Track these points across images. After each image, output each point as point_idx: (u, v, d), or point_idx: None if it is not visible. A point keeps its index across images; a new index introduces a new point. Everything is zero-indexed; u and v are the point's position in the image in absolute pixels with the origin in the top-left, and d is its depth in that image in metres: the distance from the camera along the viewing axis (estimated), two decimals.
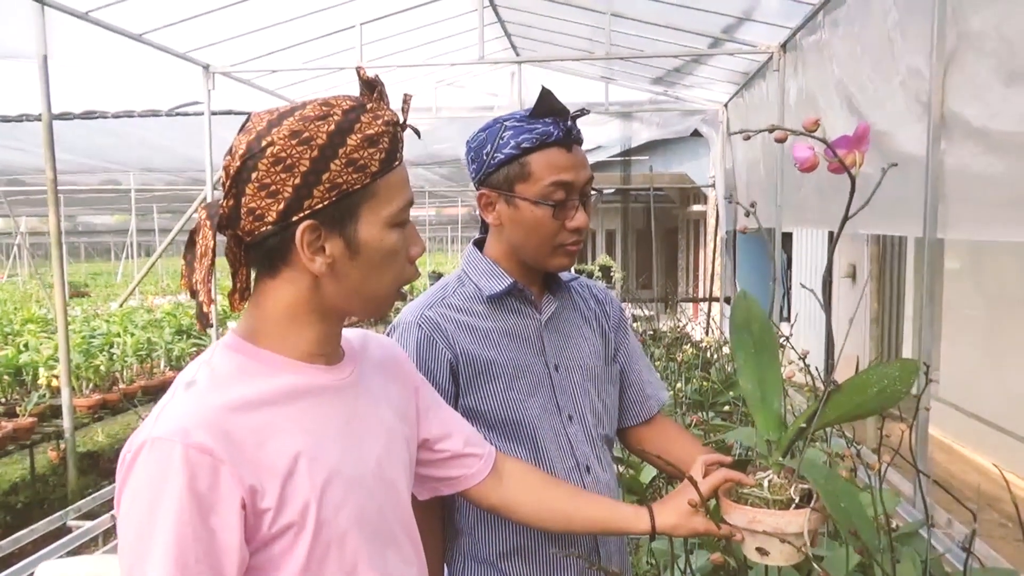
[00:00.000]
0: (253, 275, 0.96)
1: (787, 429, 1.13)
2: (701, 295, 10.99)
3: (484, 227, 1.43)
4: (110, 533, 3.19)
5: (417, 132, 1.02)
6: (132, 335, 7.09)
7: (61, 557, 2.74)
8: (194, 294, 0.90)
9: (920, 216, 2.50)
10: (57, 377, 5.14)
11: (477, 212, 1.40)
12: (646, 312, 8.14)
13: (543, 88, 1.29)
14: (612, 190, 13.70)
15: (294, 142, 0.88)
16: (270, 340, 0.95)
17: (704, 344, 5.49)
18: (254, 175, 0.88)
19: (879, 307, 6.36)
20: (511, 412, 1.33)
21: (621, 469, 2.46)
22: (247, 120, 0.92)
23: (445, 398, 1.29)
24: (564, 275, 1.48)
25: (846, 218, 1.00)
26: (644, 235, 14.66)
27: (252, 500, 0.85)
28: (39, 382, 5.59)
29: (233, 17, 4.60)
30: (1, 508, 4.66)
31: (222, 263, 0.96)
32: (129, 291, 10.48)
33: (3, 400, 5.58)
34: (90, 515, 3.27)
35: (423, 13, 5.33)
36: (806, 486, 1.08)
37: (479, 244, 1.44)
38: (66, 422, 4.14)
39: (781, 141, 0.99)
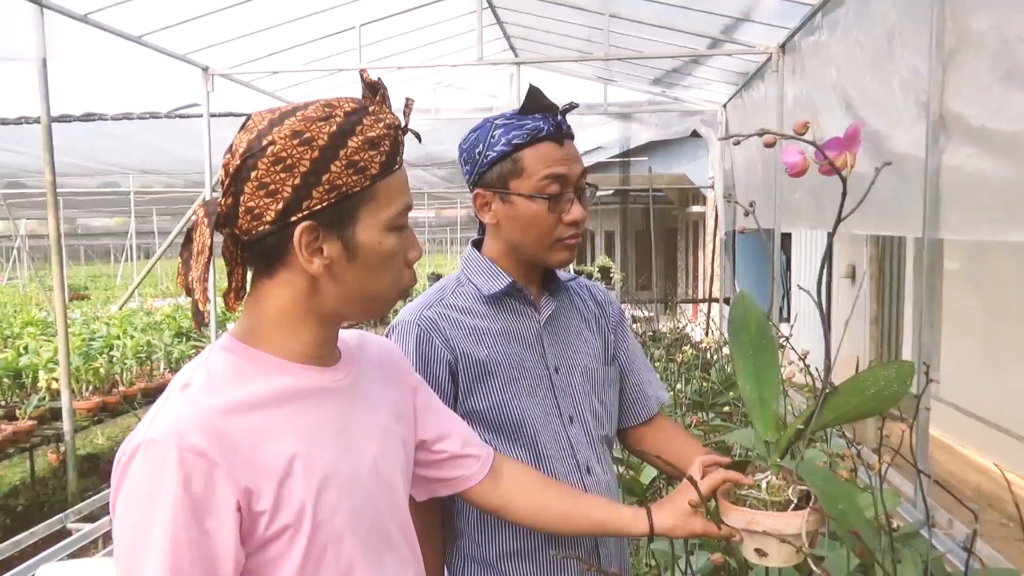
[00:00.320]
0: (249, 275, 0.96)
1: (785, 430, 1.13)
2: (700, 296, 10.99)
3: (482, 228, 1.43)
4: (110, 536, 3.18)
5: (418, 136, 1.02)
6: (132, 338, 7.09)
7: (61, 560, 2.74)
8: (189, 292, 0.90)
9: (919, 216, 2.50)
10: (57, 380, 5.13)
11: (475, 213, 1.40)
12: (646, 313, 8.14)
13: (531, 85, 1.29)
14: (611, 191, 13.71)
15: (295, 142, 0.88)
16: (266, 342, 0.94)
17: (704, 345, 5.49)
18: (254, 174, 0.88)
19: (879, 307, 6.36)
20: (511, 412, 1.33)
21: (621, 470, 2.46)
22: (248, 119, 0.92)
23: (444, 398, 1.29)
24: (563, 276, 1.48)
25: (839, 219, 1.00)
26: (643, 236, 14.67)
27: (247, 502, 0.85)
28: (39, 385, 5.58)
29: (232, 19, 4.59)
30: (1, 511, 4.67)
31: (220, 264, 0.96)
32: (128, 293, 10.48)
33: (3, 403, 5.57)
34: (90, 518, 3.27)
35: (422, 15, 5.33)
36: (804, 487, 1.08)
37: (478, 245, 1.44)
38: (66, 425, 4.14)
39: (770, 146, 0.98)
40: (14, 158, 8.49)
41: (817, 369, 1.58)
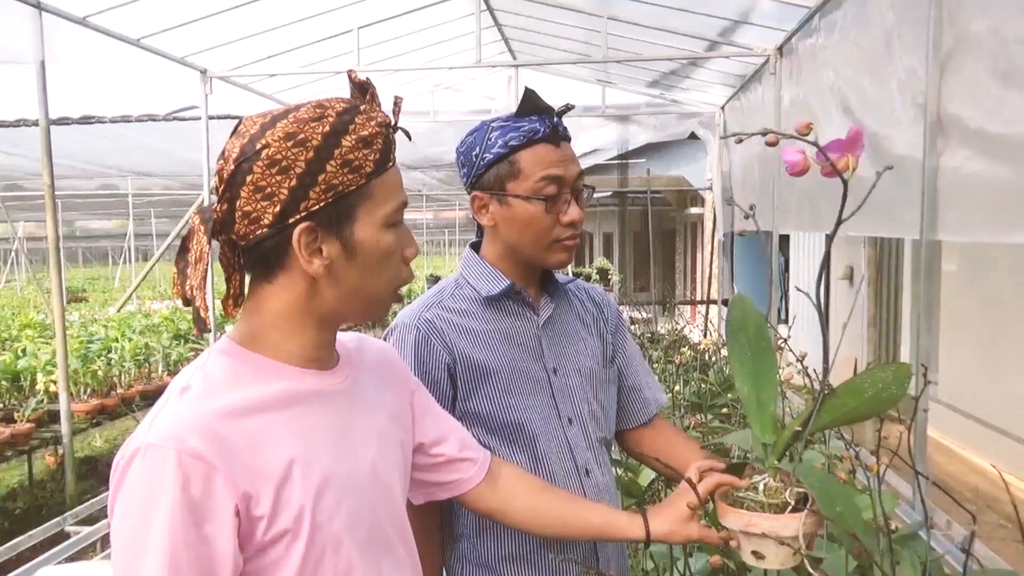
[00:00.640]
0: (248, 280, 0.96)
1: (783, 432, 1.13)
2: (699, 297, 10.99)
3: (480, 230, 1.43)
4: (108, 539, 3.17)
5: (408, 135, 1.03)
6: (130, 340, 7.08)
7: (59, 563, 2.73)
8: (188, 301, 0.90)
9: (917, 218, 2.50)
10: (55, 382, 5.13)
11: (472, 215, 1.40)
12: (644, 315, 8.14)
13: (526, 88, 1.30)
14: (609, 193, 13.72)
15: (289, 144, 0.88)
16: (265, 345, 0.94)
17: (702, 346, 5.49)
18: (249, 178, 0.88)
19: (876, 309, 6.37)
20: (509, 415, 1.33)
21: (619, 472, 2.46)
22: (239, 123, 0.92)
23: (443, 401, 1.29)
24: (561, 277, 1.49)
25: (839, 222, 1.00)
26: (641, 238, 14.66)
27: (246, 507, 0.85)
28: (37, 387, 5.58)
29: (231, 22, 4.59)
30: None
31: (217, 268, 0.96)
32: (127, 296, 10.48)
33: (1, 405, 5.56)
34: (88, 520, 3.25)
35: (420, 17, 5.33)
36: (802, 489, 1.08)
37: (476, 247, 1.44)
38: (64, 427, 4.13)
39: (772, 145, 0.98)
40: (12, 160, 8.48)
41: (815, 371, 1.58)
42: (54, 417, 5.13)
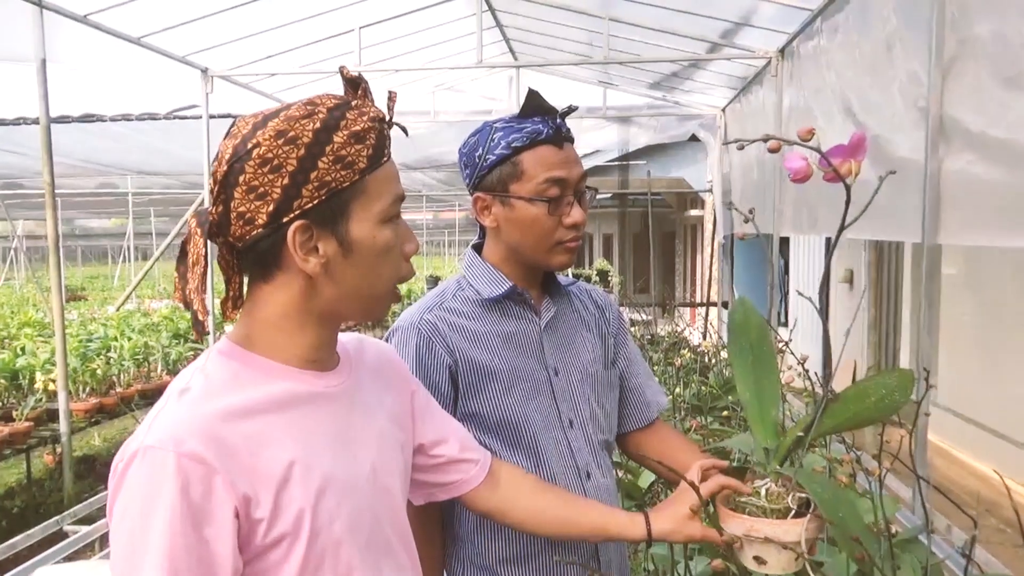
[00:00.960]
0: (246, 282, 0.96)
1: (784, 437, 1.13)
2: (699, 300, 10.99)
3: (482, 232, 1.43)
4: (107, 538, 3.17)
5: (404, 130, 1.02)
6: (129, 339, 7.08)
7: (57, 563, 2.72)
8: (187, 304, 0.89)
9: (918, 222, 2.50)
10: (54, 381, 5.12)
11: (474, 216, 1.39)
12: (644, 317, 8.13)
13: (530, 89, 1.29)
14: (610, 195, 13.71)
15: (280, 142, 0.87)
16: (265, 346, 0.94)
17: (702, 349, 5.49)
18: (242, 178, 0.87)
19: (877, 313, 6.36)
20: (510, 416, 1.33)
21: (620, 474, 2.46)
22: (232, 125, 0.92)
23: (444, 402, 1.28)
24: (563, 279, 1.48)
25: (843, 226, 0.99)
26: (642, 240, 14.66)
27: (246, 509, 0.85)
28: (36, 386, 5.57)
29: (232, 21, 4.59)
30: None
31: (218, 270, 0.95)
32: (126, 295, 10.48)
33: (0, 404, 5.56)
34: (86, 520, 3.25)
35: (422, 17, 5.33)
36: (804, 494, 1.08)
37: (478, 249, 1.43)
38: (63, 426, 4.13)
39: (775, 151, 0.98)
40: (12, 159, 8.48)
41: (817, 375, 1.58)
42: (53, 416, 5.12)
